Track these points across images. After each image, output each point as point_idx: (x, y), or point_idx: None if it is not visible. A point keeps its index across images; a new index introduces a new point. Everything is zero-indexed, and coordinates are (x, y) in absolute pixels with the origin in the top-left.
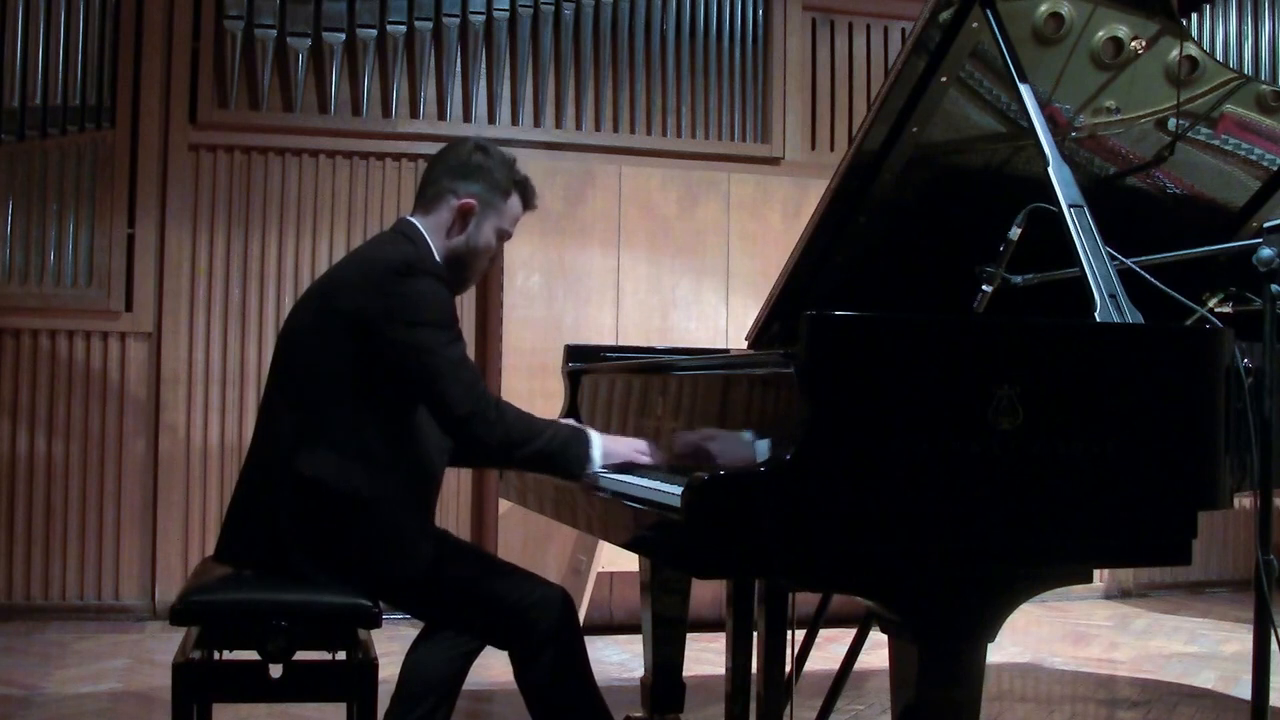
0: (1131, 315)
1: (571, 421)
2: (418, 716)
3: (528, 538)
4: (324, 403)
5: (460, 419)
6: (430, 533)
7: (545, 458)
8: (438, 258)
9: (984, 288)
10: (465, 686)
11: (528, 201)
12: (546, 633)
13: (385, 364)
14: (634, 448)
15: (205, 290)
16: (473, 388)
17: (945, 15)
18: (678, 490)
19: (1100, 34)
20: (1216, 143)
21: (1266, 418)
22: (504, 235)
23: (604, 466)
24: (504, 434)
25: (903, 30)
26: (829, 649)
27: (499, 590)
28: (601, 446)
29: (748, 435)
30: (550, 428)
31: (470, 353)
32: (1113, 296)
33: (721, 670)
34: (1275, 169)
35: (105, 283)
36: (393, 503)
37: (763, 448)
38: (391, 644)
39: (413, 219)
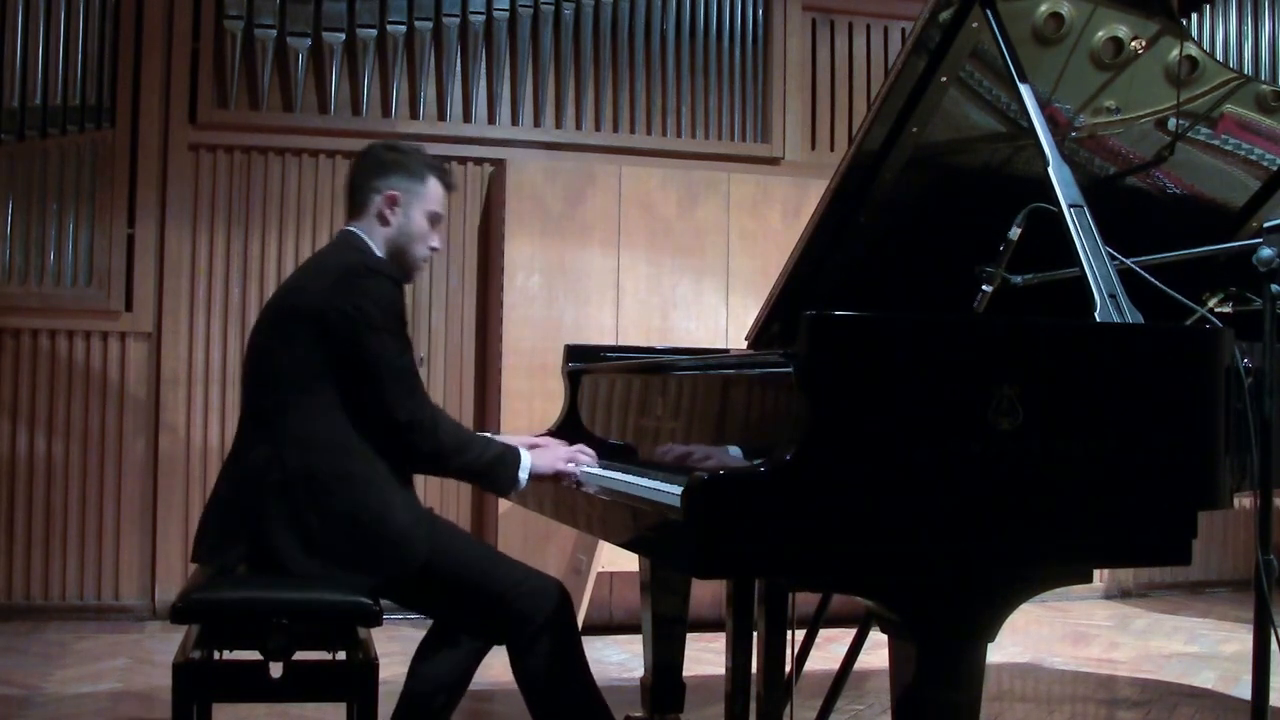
0: (1131, 315)
1: (509, 439)
2: (427, 714)
3: (528, 538)
4: (294, 400)
5: (399, 425)
6: (418, 509)
7: (473, 472)
8: (381, 255)
9: (984, 288)
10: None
11: (445, 182)
12: (542, 622)
13: (340, 362)
14: (564, 458)
15: (205, 290)
16: (413, 396)
17: (945, 15)
18: (678, 490)
19: (1100, 34)
20: (1216, 143)
21: (1266, 418)
22: (435, 218)
23: (534, 479)
24: (436, 445)
25: (903, 30)
26: (829, 649)
27: (494, 580)
28: (530, 467)
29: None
30: (480, 444)
31: (470, 353)
32: (1113, 296)
33: (721, 670)
34: (1275, 169)
35: (105, 283)
36: (372, 483)
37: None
38: (391, 644)
39: (349, 227)
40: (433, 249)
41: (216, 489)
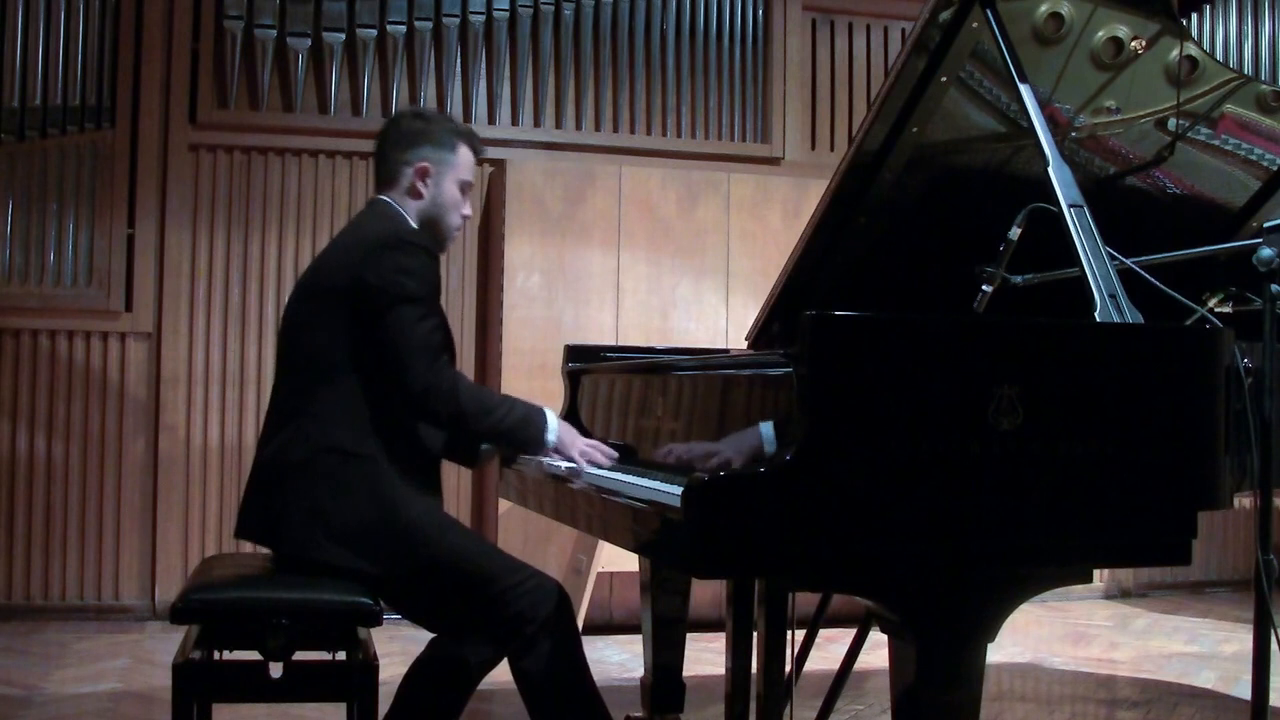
0: (1131, 315)
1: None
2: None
3: (528, 538)
4: (320, 383)
5: (416, 392)
6: (432, 501)
7: (499, 433)
8: (414, 225)
9: (984, 288)
10: None
11: (475, 149)
12: (541, 622)
13: (365, 340)
14: (580, 448)
15: (205, 290)
16: (433, 363)
17: (945, 15)
18: (678, 490)
19: (1100, 34)
20: (1216, 143)
21: (1266, 418)
22: (466, 186)
23: (555, 451)
24: (457, 409)
25: (903, 30)
26: (829, 649)
27: (493, 578)
28: (557, 431)
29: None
30: (505, 405)
31: (470, 353)
32: (1113, 296)
33: (721, 670)
34: (1275, 169)
35: (105, 283)
36: (387, 470)
37: (768, 432)
38: (391, 644)
39: (382, 196)
40: (465, 216)
41: (252, 469)
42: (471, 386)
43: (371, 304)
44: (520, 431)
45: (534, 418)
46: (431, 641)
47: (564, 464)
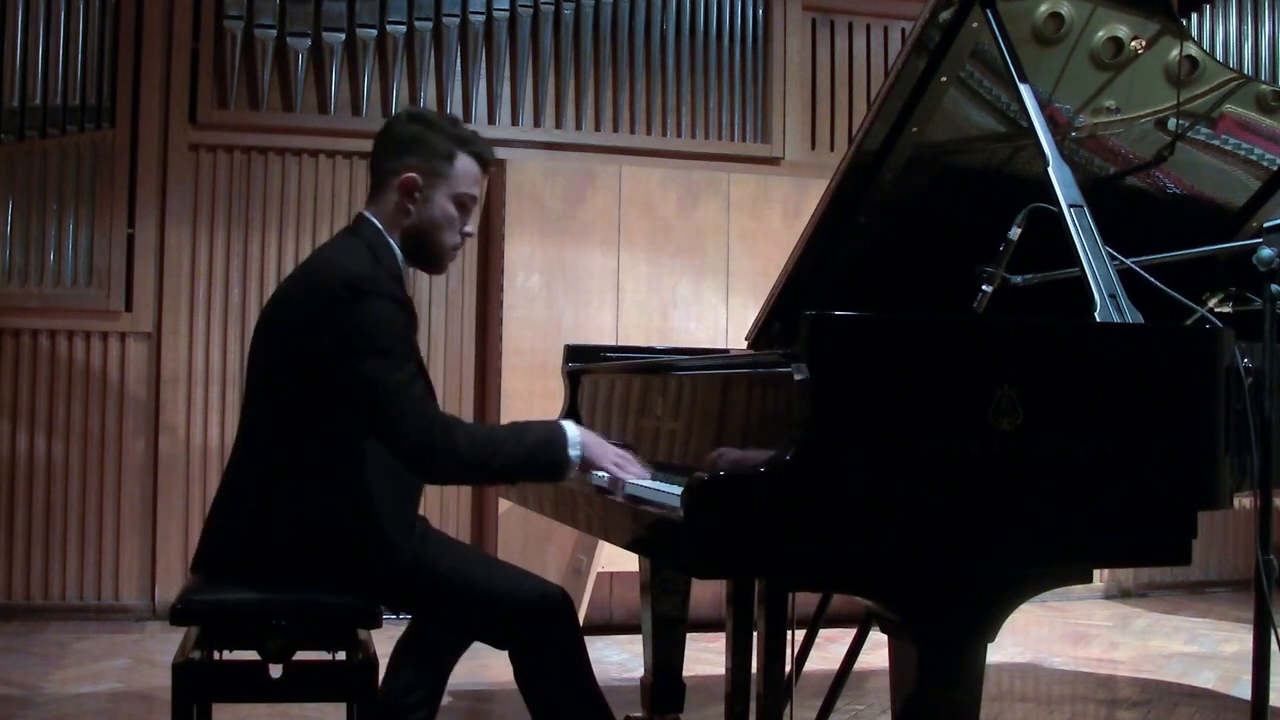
0: (1131, 315)
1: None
2: (407, 708)
3: (528, 538)
4: (285, 421)
5: (410, 451)
6: (410, 537)
7: (512, 470)
8: (395, 248)
9: (984, 288)
10: (465, 686)
11: (481, 159)
12: (546, 631)
13: (335, 392)
14: (613, 459)
15: (205, 290)
16: (421, 416)
17: (945, 15)
18: (677, 490)
19: (1100, 34)
20: (1216, 143)
21: (1266, 418)
22: (465, 200)
23: (584, 464)
24: (458, 459)
25: (903, 30)
26: (829, 649)
27: (498, 589)
28: (580, 445)
29: None
30: (513, 436)
31: (470, 353)
32: (1113, 296)
33: (721, 670)
34: (1275, 169)
35: (105, 283)
36: (366, 513)
37: None
38: (391, 644)
39: (365, 212)
40: (466, 234)
41: (212, 505)
42: (466, 430)
43: (333, 363)
44: (540, 457)
45: (552, 436)
46: (409, 624)
47: (607, 474)
